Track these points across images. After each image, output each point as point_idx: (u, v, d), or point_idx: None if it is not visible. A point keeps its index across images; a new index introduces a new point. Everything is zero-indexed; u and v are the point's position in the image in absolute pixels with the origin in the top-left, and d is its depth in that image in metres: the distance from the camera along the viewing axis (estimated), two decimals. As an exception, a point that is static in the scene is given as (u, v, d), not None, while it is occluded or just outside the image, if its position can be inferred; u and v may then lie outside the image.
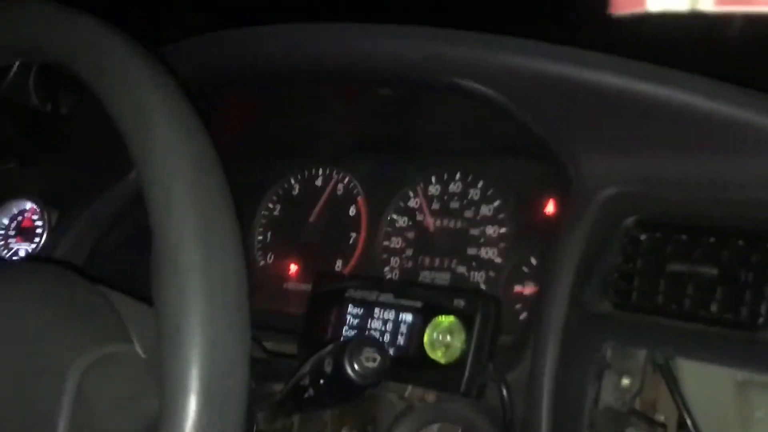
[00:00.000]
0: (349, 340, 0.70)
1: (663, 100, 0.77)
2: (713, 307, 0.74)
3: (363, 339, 0.70)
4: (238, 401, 0.55)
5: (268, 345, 1.03)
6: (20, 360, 0.65)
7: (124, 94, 0.59)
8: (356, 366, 0.69)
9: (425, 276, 1.06)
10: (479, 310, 0.83)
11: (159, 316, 0.54)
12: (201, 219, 0.55)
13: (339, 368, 0.70)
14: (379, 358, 0.70)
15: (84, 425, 0.61)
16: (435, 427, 0.90)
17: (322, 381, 0.72)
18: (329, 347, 0.72)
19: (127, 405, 0.62)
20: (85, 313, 0.67)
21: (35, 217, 1.19)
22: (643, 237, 0.79)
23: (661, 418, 0.82)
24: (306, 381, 0.75)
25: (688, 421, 0.77)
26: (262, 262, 1.21)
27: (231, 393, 0.55)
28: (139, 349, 0.65)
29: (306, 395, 0.75)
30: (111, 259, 1.14)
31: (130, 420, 0.61)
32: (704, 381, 0.76)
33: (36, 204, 1.19)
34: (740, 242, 0.74)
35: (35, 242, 1.18)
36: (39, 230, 1.18)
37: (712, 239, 0.75)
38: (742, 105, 0.74)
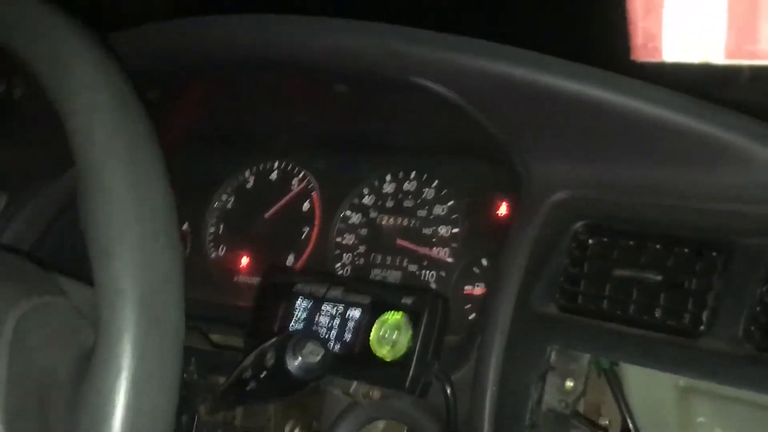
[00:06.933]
0: (291, 333, 0.70)
1: (615, 107, 0.77)
2: (657, 313, 0.75)
3: (306, 333, 0.70)
4: (175, 313, 0.55)
5: (216, 338, 1.02)
6: None
7: (39, 36, 0.59)
8: (298, 360, 0.69)
9: (377, 273, 1.06)
10: (427, 307, 0.83)
11: (89, 240, 0.54)
12: (124, 140, 0.55)
13: (280, 362, 0.69)
14: (321, 352, 0.70)
15: (23, 364, 0.61)
16: (381, 424, 0.91)
17: (263, 374, 0.72)
18: (272, 340, 0.72)
19: (64, 340, 0.62)
20: (19, 276, 0.67)
21: (-17, 200, 1.17)
22: (591, 241, 0.80)
23: (605, 421, 0.82)
24: (248, 374, 0.74)
25: (631, 426, 0.78)
26: (213, 255, 1.20)
27: (167, 305, 0.54)
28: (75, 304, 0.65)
29: (248, 388, 0.74)
30: (60, 244, 1.13)
31: (68, 351, 0.61)
32: (647, 386, 0.77)
33: (-16, 187, 1.17)
34: (685, 250, 0.75)
35: (-18, 226, 1.15)
36: (-13, 214, 1.16)
37: (658, 246, 0.76)
38: (693, 115, 0.75)
